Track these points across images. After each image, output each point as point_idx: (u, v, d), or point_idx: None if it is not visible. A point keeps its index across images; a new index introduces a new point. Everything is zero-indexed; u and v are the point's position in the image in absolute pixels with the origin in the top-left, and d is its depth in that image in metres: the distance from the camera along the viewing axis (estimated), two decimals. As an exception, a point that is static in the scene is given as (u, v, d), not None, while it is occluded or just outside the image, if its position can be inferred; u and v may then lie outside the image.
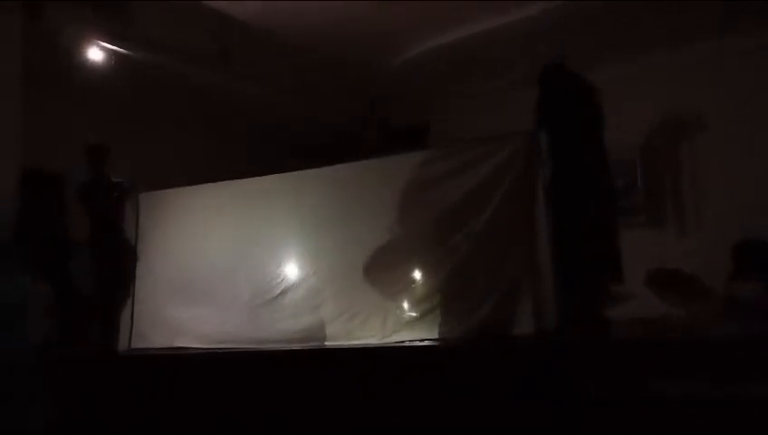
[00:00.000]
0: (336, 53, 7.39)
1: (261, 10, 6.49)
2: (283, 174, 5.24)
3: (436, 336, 4.44)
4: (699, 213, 7.01)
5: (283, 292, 4.97)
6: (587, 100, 4.16)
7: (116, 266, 5.41)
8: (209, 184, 5.50)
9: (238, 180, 5.43)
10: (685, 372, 3.18)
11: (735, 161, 6.69)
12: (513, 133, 4.47)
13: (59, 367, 4.95)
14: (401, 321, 4.61)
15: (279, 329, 4.86)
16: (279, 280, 5.01)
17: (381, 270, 4.71)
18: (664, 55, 7.11)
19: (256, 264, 5.10)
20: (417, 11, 6.55)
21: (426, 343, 4.40)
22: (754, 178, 6.41)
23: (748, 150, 6.62)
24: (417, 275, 4.70)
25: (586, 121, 4.10)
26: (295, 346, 4.60)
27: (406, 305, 4.66)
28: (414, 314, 4.61)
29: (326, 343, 4.70)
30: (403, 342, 4.45)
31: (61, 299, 5.76)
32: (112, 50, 6.02)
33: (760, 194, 6.12)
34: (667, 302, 5.98)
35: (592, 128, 4.12)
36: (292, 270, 5.00)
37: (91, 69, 6.00)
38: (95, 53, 5.95)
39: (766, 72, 6.64)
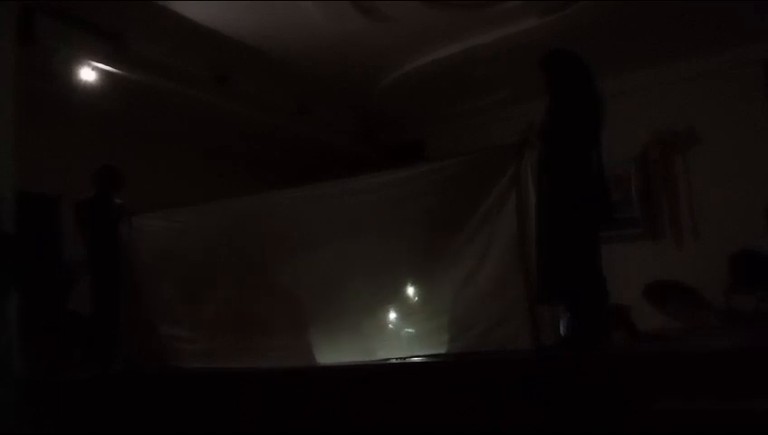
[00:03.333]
0: (331, 72, 7.42)
1: (256, 31, 6.53)
2: (277, 192, 5.24)
3: (432, 352, 4.41)
4: (695, 225, 7.02)
5: (275, 308, 4.96)
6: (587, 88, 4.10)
7: (111, 287, 5.41)
8: (203, 204, 5.49)
9: (231, 199, 5.43)
10: (683, 384, 3.16)
11: (730, 173, 6.71)
12: (505, 145, 4.46)
13: (52, 389, 4.93)
14: (395, 337, 4.59)
15: (271, 345, 4.84)
16: (271, 296, 4.99)
17: (375, 286, 4.70)
18: (658, 70, 7.17)
19: (242, 281, 5.10)
20: (410, 30, 6.60)
21: (421, 359, 4.37)
22: (749, 190, 6.43)
23: (742, 162, 6.64)
24: (412, 290, 4.68)
25: (586, 118, 4.03)
26: (287, 364, 4.57)
27: (401, 321, 4.63)
28: (409, 331, 4.59)
29: (320, 361, 4.67)
30: (398, 358, 4.42)
31: (55, 321, 5.77)
32: (107, 71, 6.05)
33: (754, 205, 6.13)
34: (665, 313, 5.97)
35: (592, 127, 4.05)
36: (284, 287, 4.99)
37: (85, 91, 6.02)
38: (89, 75, 5.97)
39: (757, 86, 6.69)
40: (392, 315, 4.70)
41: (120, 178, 5.58)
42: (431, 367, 4.15)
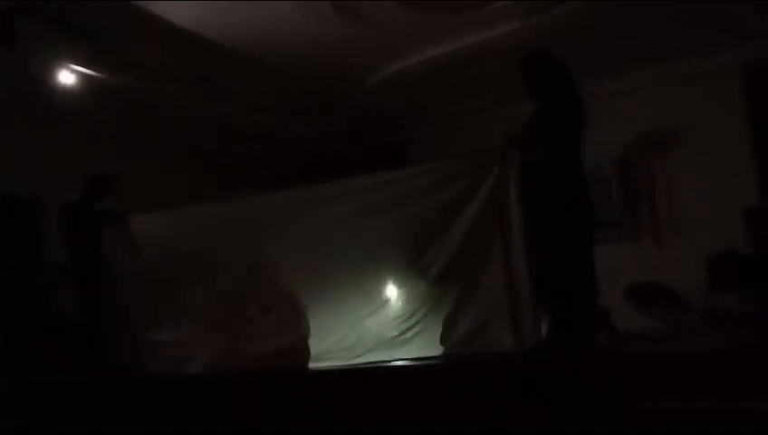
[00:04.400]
0: (317, 74, 7.41)
1: (240, 33, 6.50)
2: (261, 195, 5.24)
3: (415, 355, 4.43)
4: (675, 226, 7.08)
5: (260, 312, 4.95)
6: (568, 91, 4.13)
7: (98, 291, 5.38)
8: (194, 206, 5.48)
9: (218, 203, 5.42)
10: (665, 385, 3.18)
11: (709, 175, 6.78)
12: (487, 148, 4.49)
13: (42, 393, 4.89)
14: (379, 340, 4.60)
15: (255, 350, 4.83)
16: (255, 301, 4.99)
17: (358, 289, 4.71)
18: (638, 73, 7.22)
19: (234, 284, 5.08)
20: (398, 30, 6.60)
21: (404, 362, 4.38)
22: (728, 191, 6.49)
23: (721, 164, 6.71)
24: (395, 293, 4.70)
25: (566, 124, 4.06)
26: (273, 368, 4.57)
27: (384, 325, 4.65)
28: (393, 334, 4.60)
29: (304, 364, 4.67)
30: (381, 362, 4.43)
31: (42, 324, 5.73)
32: (88, 75, 6.00)
33: (734, 206, 6.19)
34: (646, 315, 6.01)
35: (573, 132, 4.08)
36: (268, 290, 4.98)
37: (67, 94, 5.97)
38: (70, 78, 5.92)
39: (736, 88, 6.77)
40: (376, 318, 4.72)
41: (108, 183, 5.56)
42: (422, 370, 4.15)
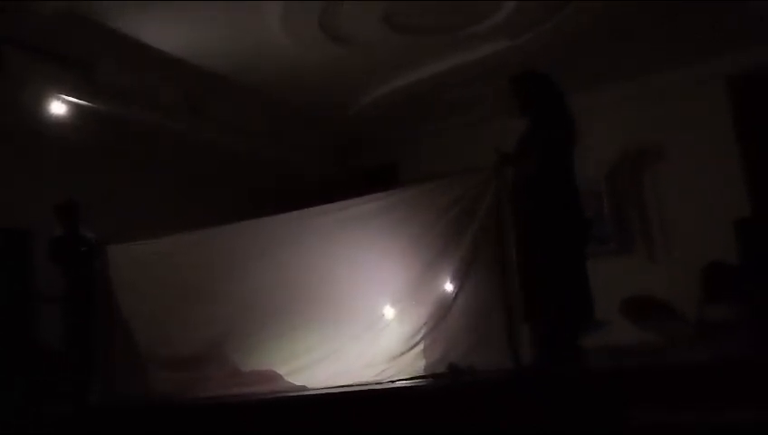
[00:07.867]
0: (303, 98, 7.45)
1: (228, 59, 6.54)
2: (255, 220, 5.22)
3: (420, 372, 4.43)
4: (667, 239, 7.12)
5: (269, 339, 4.93)
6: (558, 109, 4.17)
7: (86, 321, 5.33)
8: (179, 234, 5.45)
9: (210, 229, 5.38)
10: (661, 398, 3.18)
11: (699, 187, 6.83)
12: (481, 167, 4.51)
13: (29, 425, 4.83)
14: (388, 358, 4.59)
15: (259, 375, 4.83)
16: (260, 327, 4.96)
17: (363, 309, 4.72)
18: (628, 87, 7.30)
19: (234, 311, 5.05)
20: (385, 51, 6.64)
21: (404, 383, 4.36)
22: (718, 203, 6.54)
23: (711, 176, 6.77)
24: (399, 311, 4.71)
25: (558, 140, 4.08)
26: (281, 394, 4.54)
27: (391, 342, 4.65)
28: (400, 350, 4.60)
29: (315, 387, 4.64)
30: (389, 379, 4.42)
31: (29, 357, 5.68)
32: (78, 104, 6.00)
33: (725, 218, 6.24)
34: (641, 328, 6.03)
35: (564, 147, 4.10)
36: (273, 316, 4.95)
37: (57, 123, 5.96)
38: (60, 107, 5.91)
39: (722, 100, 6.85)
40: (371, 338, 4.72)
41: (74, 209, 5.52)
42: (419, 391, 4.13)
